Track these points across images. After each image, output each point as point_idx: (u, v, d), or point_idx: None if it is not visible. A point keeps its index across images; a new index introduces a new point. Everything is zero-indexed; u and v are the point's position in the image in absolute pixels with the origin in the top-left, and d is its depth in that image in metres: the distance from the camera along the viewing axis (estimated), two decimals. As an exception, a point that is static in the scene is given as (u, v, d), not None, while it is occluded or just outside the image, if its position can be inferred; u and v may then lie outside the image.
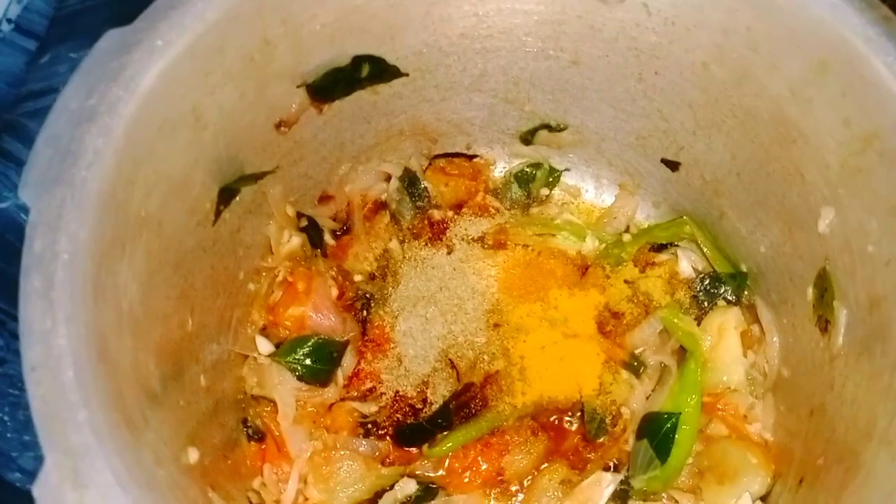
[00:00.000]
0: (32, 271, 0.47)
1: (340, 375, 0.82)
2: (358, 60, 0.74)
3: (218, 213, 0.70)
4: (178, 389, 0.62)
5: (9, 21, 1.12)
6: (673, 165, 0.83)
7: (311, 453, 0.77)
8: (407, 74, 0.79)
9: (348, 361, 0.82)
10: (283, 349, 0.79)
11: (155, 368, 0.58)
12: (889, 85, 0.55)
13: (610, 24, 0.72)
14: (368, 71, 0.76)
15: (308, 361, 0.80)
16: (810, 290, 0.68)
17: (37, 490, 0.41)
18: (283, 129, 0.74)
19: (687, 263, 0.83)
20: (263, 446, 0.78)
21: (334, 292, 0.85)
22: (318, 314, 0.83)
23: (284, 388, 0.79)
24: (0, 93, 1.08)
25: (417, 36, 0.75)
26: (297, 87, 0.71)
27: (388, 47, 0.75)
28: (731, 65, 0.67)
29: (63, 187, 0.50)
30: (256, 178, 0.73)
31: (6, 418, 0.86)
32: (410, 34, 0.74)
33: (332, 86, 0.74)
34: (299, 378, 0.79)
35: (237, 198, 0.72)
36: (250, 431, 0.78)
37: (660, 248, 0.86)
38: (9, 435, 0.85)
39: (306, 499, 0.76)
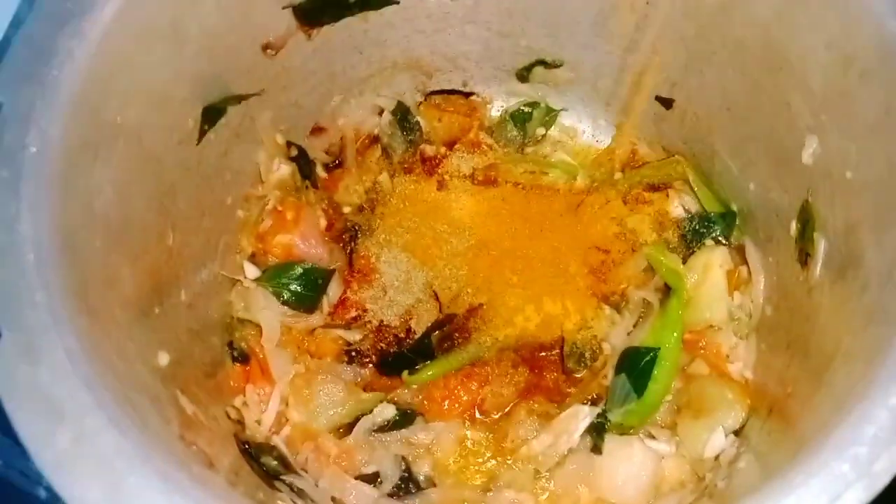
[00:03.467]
0: (2, 164, 0.48)
1: (326, 303, 0.83)
2: (346, -17, 0.74)
3: (202, 133, 0.71)
4: (155, 298, 0.63)
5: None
6: (667, 103, 0.82)
7: (293, 376, 0.79)
8: (398, 2, 0.78)
9: (334, 290, 0.83)
10: (268, 274, 0.80)
11: (128, 272, 0.59)
12: (867, 5, 0.53)
13: (600, -51, 0.71)
14: (358, -5, 0.76)
15: (294, 287, 0.81)
16: (794, 225, 0.67)
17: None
18: (270, 51, 0.74)
19: (678, 203, 0.82)
20: (248, 368, 0.80)
21: (323, 223, 0.85)
22: (306, 242, 0.84)
23: (269, 311, 0.80)
24: None
25: (407, -40, 0.74)
26: (283, 8, 0.71)
27: (377, -30, 0.74)
28: (723, -10, 0.66)
29: (35, 85, 0.51)
30: (242, 98, 0.74)
31: None
32: (400, -42, 0.73)
33: (319, 10, 0.74)
34: (284, 303, 0.80)
35: (223, 119, 0.73)
36: (236, 353, 0.80)
37: (652, 188, 0.85)
38: None
39: (287, 419, 0.78)
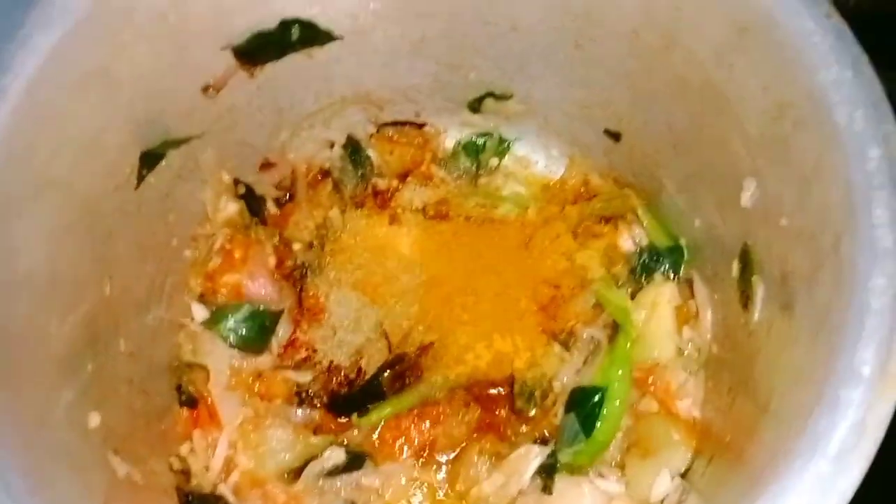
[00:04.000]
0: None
1: (275, 344, 0.81)
2: (286, 24, 0.72)
3: (141, 178, 0.69)
4: (88, 352, 0.62)
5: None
6: (615, 136, 0.82)
7: (242, 420, 0.78)
8: (342, 38, 0.77)
9: (284, 330, 0.82)
10: (215, 317, 0.79)
11: (57, 330, 0.57)
12: (802, 52, 0.53)
13: (543, -16, 0.70)
14: (299, 34, 0.74)
15: (241, 330, 0.80)
16: (735, 265, 0.66)
17: None
18: (210, 92, 0.73)
19: (627, 237, 0.82)
20: (195, 412, 0.79)
21: (272, 261, 0.84)
22: (255, 282, 0.83)
23: (217, 355, 0.79)
24: None
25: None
26: (222, 49, 0.70)
27: (318, 9, 0.73)
28: (660, 30, 0.66)
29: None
30: (182, 142, 0.72)
31: None
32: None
33: (260, 49, 0.73)
34: (232, 346, 0.79)
35: (163, 162, 0.71)
36: (183, 398, 0.78)
37: (604, 219, 0.85)
38: None
39: (235, 465, 0.76)
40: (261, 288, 0.82)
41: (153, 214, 0.73)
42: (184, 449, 0.76)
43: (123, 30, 0.60)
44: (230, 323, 0.79)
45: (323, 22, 0.74)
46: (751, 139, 0.61)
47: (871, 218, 0.49)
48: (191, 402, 0.78)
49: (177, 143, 0.72)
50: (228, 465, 0.77)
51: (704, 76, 0.64)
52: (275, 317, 0.81)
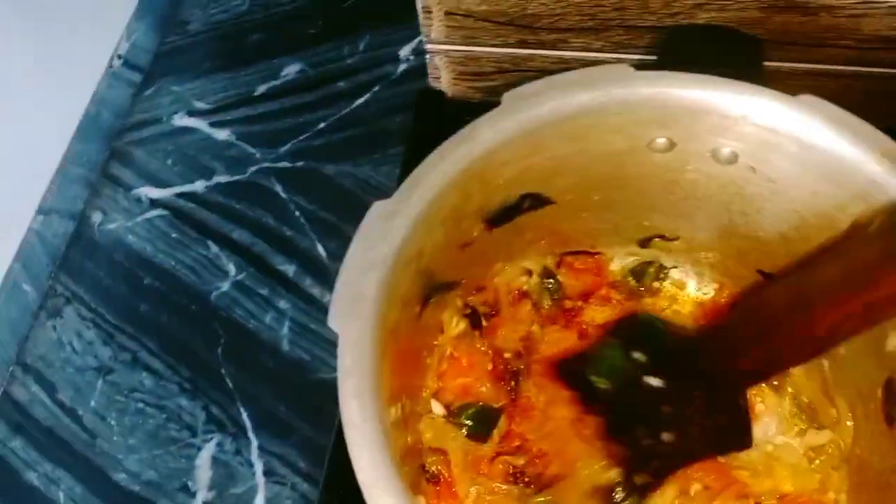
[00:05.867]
0: (348, 378, 0.71)
1: (496, 434, 1.05)
2: (523, 197, 0.97)
3: (420, 314, 0.94)
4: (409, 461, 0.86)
5: (119, 57, 1.30)
6: (768, 276, 1.03)
7: (476, 495, 1.00)
8: (556, 202, 1.01)
9: (502, 423, 1.05)
10: (454, 411, 1.03)
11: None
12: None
13: (722, 175, 0.93)
14: (529, 203, 0.99)
15: (471, 423, 1.03)
16: (879, 391, 0.87)
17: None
18: (466, 248, 0.97)
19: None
20: (438, 488, 1.02)
21: (490, 366, 1.08)
22: (478, 382, 1.06)
23: (455, 442, 1.03)
24: (108, 123, 1.27)
25: (571, 178, 0.97)
26: (482, 220, 0.95)
27: (547, 186, 0.97)
28: (821, 216, 0.87)
29: (358, 321, 0.74)
30: (446, 287, 0.97)
31: (113, 423, 1.02)
32: (566, 176, 0.97)
33: (502, 216, 0.97)
34: (466, 436, 1.03)
35: (431, 300, 0.96)
36: (428, 476, 1.02)
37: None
38: (115, 438, 1.01)
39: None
40: (482, 387, 1.06)
41: (418, 335, 0.98)
42: (431, 522, 0.99)
43: (433, 222, 0.85)
44: (463, 418, 1.03)
45: (548, 194, 0.99)
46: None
47: None
48: (435, 480, 1.02)
49: (442, 288, 0.97)
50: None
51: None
52: (496, 413, 1.04)
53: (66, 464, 0.97)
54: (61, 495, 0.95)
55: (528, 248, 1.11)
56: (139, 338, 1.05)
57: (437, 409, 1.04)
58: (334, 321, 0.73)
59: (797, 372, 1.02)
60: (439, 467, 1.03)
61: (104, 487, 0.96)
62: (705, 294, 1.14)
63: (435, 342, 1.06)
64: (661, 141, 0.92)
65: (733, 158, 0.90)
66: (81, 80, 1.24)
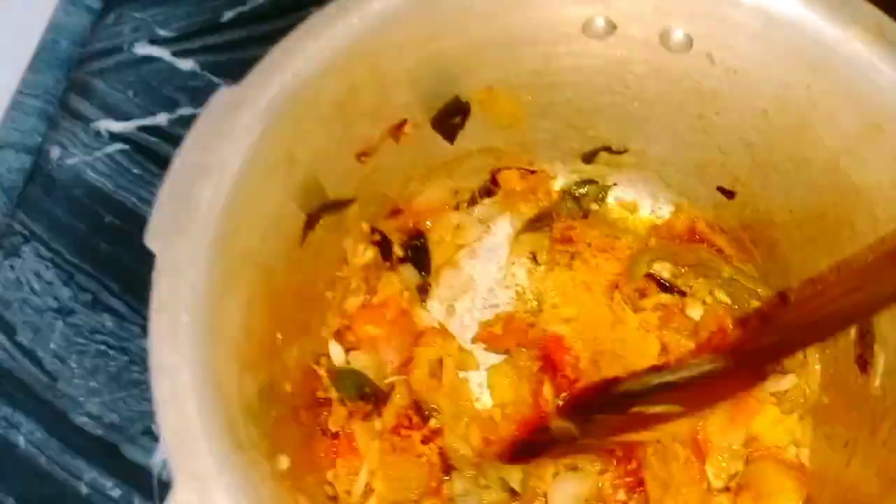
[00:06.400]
0: (160, 314, 0.55)
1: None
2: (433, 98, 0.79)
3: (304, 237, 0.77)
4: (270, 400, 0.70)
5: (74, -19, 1.15)
6: (729, 194, 0.87)
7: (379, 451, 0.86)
8: (477, 105, 0.84)
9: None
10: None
11: (253, 385, 0.66)
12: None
13: (675, 67, 0.76)
14: (443, 106, 0.81)
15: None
16: (852, 329, 0.72)
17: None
18: (363, 158, 0.80)
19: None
20: (336, 444, 0.87)
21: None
22: (389, 348, 0.91)
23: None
24: (67, 52, 1.13)
25: (491, 74, 0.80)
26: (384, 124, 0.77)
27: (463, 85, 0.80)
28: (791, 115, 0.71)
29: (182, 237, 0.58)
30: (339, 204, 0.80)
31: (73, 365, 0.94)
32: (484, 72, 0.79)
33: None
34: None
35: (321, 221, 0.79)
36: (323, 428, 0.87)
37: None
38: (76, 381, 0.93)
39: (372, 489, 0.85)
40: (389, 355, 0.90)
41: (309, 266, 0.81)
42: (330, 475, 0.85)
43: (307, 118, 0.68)
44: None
45: (464, 96, 0.81)
46: (879, 223, 0.66)
47: None
48: (332, 434, 0.87)
49: (333, 205, 0.80)
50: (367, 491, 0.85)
51: (832, 161, 0.69)
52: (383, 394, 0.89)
53: (27, 407, 0.90)
54: (21, 439, 0.88)
55: (452, 163, 0.93)
56: (100, 278, 0.96)
57: (337, 353, 0.89)
58: (152, 240, 0.57)
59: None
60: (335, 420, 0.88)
61: (65, 431, 0.89)
62: (659, 217, 0.98)
63: (338, 273, 0.90)
64: (599, 22, 0.74)
65: (687, 44, 0.73)
66: (37, 5, 1.14)
